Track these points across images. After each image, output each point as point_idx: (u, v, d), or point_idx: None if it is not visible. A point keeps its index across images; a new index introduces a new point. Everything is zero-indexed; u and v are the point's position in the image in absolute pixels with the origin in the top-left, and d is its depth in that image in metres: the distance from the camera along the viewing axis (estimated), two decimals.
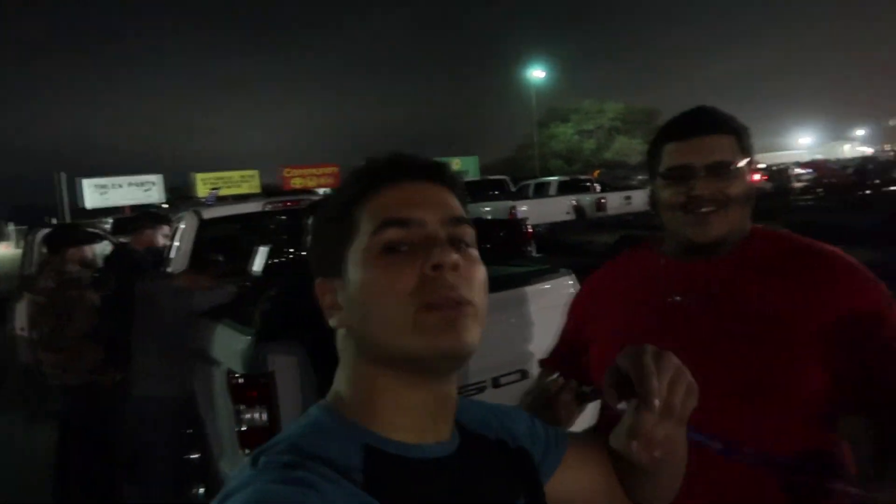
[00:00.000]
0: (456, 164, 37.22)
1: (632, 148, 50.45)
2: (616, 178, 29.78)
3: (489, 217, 12.92)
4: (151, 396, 2.94)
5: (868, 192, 13.04)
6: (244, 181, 32.16)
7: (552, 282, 3.21)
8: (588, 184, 16.90)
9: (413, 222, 0.61)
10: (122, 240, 4.93)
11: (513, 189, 16.46)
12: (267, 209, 4.42)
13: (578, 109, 51.95)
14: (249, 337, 2.47)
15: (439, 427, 0.64)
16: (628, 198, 15.21)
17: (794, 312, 1.06)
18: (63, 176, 22.61)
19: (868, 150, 45.04)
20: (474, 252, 0.64)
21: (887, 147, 43.44)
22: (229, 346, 2.64)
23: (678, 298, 1.17)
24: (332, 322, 0.65)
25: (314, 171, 34.37)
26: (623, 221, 13.38)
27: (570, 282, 3.25)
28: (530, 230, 9.21)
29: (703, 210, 1.10)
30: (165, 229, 3.94)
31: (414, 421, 0.62)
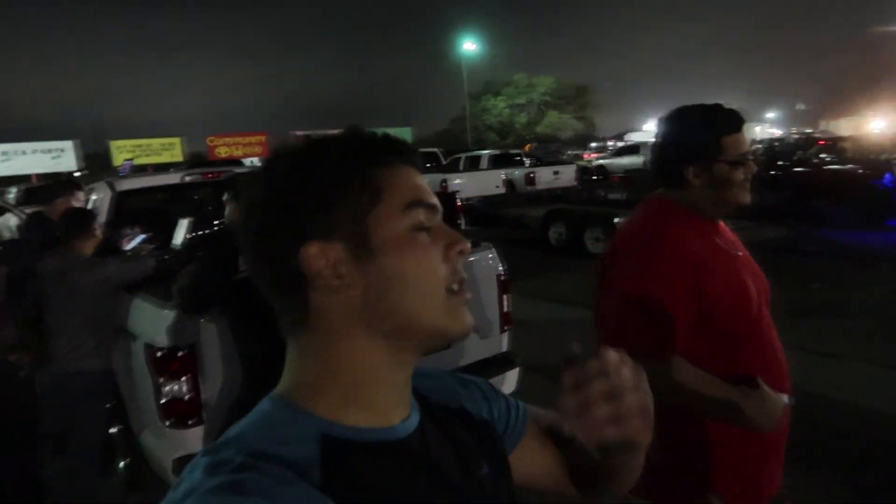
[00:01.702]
0: None
1: (563, 122, 51.38)
2: (549, 153, 30.27)
3: None
4: (79, 371, 2.86)
5: (776, 171, 13.85)
6: (165, 149, 30.73)
7: (474, 255, 3.31)
8: (519, 158, 17.14)
9: (435, 209, 0.63)
10: (29, 210, 4.67)
11: (444, 162, 16.50)
12: (186, 181, 4.31)
13: (510, 83, 52.26)
14: (169, 311, 2.46)
15: (403, 406, 0.64)
16: (557, 172, 15.54)
17: None
18: None
19: (777, 132, 47.67)
20: None
21: (794, 130, 46.06)
22: (148, 319, 2.61)
23: (740, 253, 1.52)
24: (320, 293, 0.59)
25: (241, 139, 33.15)
26: (553, 195, 13.68)
27: (491, 255, 3.36)
28: (461, 203, 9.36)
29: (749, 185, 1.46)
30: (80, 196, 3.80)
31: (388, 402, 0.62)
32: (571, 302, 6.63)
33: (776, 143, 23.24)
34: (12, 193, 13.36)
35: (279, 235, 0.59)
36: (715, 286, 1.38)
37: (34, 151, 28.18)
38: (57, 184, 3.93)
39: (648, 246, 1.44)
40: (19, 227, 3.67)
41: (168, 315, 2.45)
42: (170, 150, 30.75)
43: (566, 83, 53.18)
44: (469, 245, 0.63)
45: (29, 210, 4.70)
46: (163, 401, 2.42)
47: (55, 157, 28.36)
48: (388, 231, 0.59)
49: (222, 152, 31.34)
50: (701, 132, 1.45)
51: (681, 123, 1.49)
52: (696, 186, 1.45)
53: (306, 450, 0.55)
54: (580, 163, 22.52)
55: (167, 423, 2.44)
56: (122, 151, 28.77)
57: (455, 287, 0.61)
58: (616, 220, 8.73)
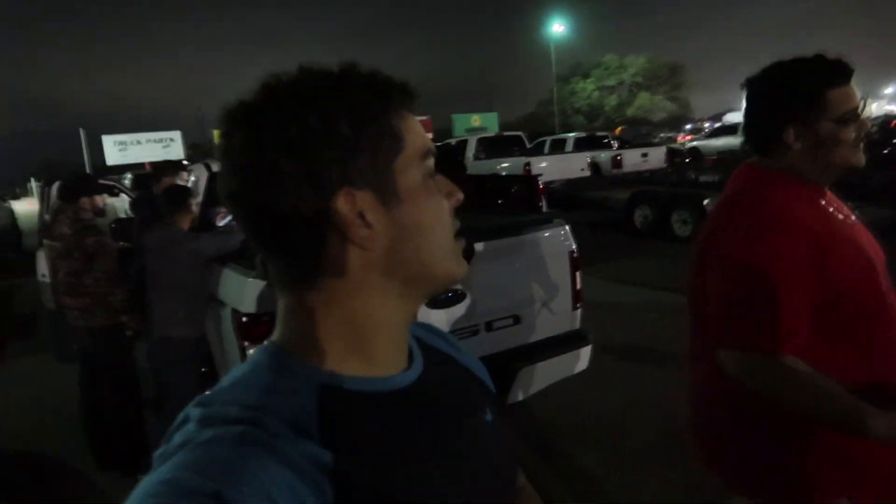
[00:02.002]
0: (475, 120, 36.83)
1: (655, 104, 49.49)
2: (640, 136, 29.14)
3: (504, 173, 12.92)
4: (173, 338, 3.11)
5: (890, 150, 12.71)
6: None
7: (546, 231, 3.31)
8: (606, 140, 16.73)
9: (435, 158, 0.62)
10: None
11: (528, 145, 16.37)
12: None
13: (600, 64, 50.81)
14: (253, 280, 2.64)
15: (402, 356, 0.63)
16: (645, 154, 15.03)
17: None
18: (83, 132, 22.88)
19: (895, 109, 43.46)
20: None
21: None
22: (235, 288, 2.80)
23: (853, 218, 1.35)
24: (342, 243, 0.56)
25: None
26: (640, 178, 13.27)
27: (563, 232, 3.35)
28: (542, 186, 9.27)
29: (862, 144, 1.29)
30: (184, 176, 4.11)
31: (389, 353, 0.61)
32: (654, 285, 6.45)
33: (893, 120, 21.30)
34: (127, 179, 14.53)
35: (297, 182, 0.53)
36: (840, 261, 1.20)
37: (147, 141, 30.38)
38: (164, 164, 4.27)
39: (754, 212, 1.26)
40: (131, 203, 4.03)
41: (252, 283, 2.62)
42: None
43: (659, 63, 51.04)
44: (462, 195, 0.64)
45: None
46: None
47: (165, 146, 30.43)
48: (410, 179, 0.58)
49: None
50: (801, 87, 1.26)
51: (776, 79, 1.30)
52: (796, 150, 1.28)
53: (303, 401, 0.53)
54: (673, 145, 21.67)
55: None
56: None
57: (455, 233, 0.63)
58: (706, 201, 8.38)
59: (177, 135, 31.09)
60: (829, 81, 1.25)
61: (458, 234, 0.63)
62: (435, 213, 0.60)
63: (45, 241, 3.48)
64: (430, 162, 0.60)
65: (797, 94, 1.26)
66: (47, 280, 4.05)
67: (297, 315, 0.58)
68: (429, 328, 0.77)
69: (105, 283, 3.21)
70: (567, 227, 3.39)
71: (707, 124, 39.54)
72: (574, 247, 3.38)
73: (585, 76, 50.65)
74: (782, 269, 1.18)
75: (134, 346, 3.51)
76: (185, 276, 3.07)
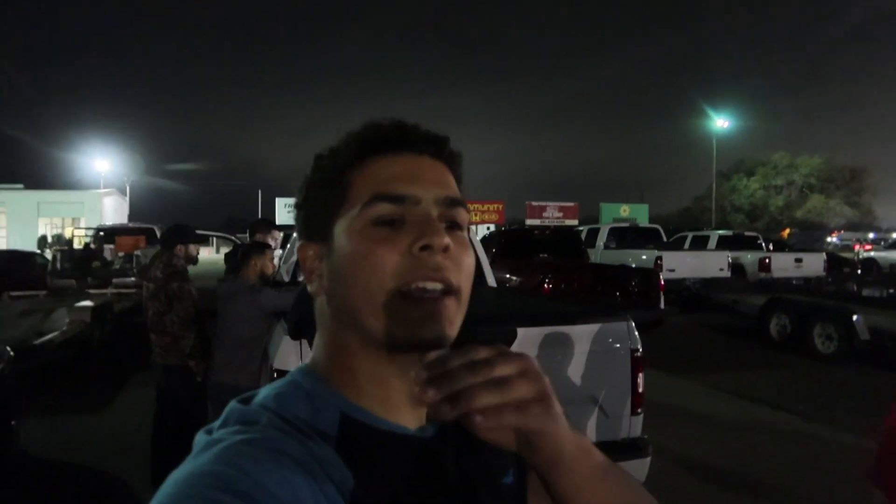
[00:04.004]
0: (624, 210, 36.09)
1: (828, 208, 45.32)
2: (810, 240, 26.75)
3: (633, 265, 12.43)
4: (229, 384, 3.25)
5: None
6: None
7: (605, 324, 3.08)
8: (757, 241, 15.55)
9: (407, 199, 0.58)
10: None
11: (665, 240, 15.63)
12: None
13: (767, 163, 47.87)
14: (287, 336, 2.72)
15: (414, 412, 0.61)
16: (799, 260, 13.68)
17: None
18: (260, 193, 25.74)
19: None
20: (464, 236, 0.61)
21: None
22: (276, 343, 2.91)
23: None
24: (310, 288, 0.63)
25: (479, 206, 35.07)
26: (789, 284, 12.06)
27: (626, 327, 3.09)
28: (662, 282, 8.73)
29: None
30: (276, 234, 4.38)
31: (387, 394, 0.59)
32: (776, 405, 5.71)
33: None
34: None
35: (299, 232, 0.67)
36: None
37: None
38: (259, 222, 4.55)
39: None
40: (226, 254, 4.34)
41: (286, 341, 2.70)
42: None
43: (837, 165, 47.01)
44: (441, 240, 0.56)
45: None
46: None
47: None
48: (345, 227, 0.59)
49: None
50: None
51: None
52: None
53: (324, 420, 0.56)
54: (846, 254, 19.57)
55: None
56: None
57: (418, 286, 0.55)
58: (855, 317, 7.34)
59: None
60: None
61: (418, 292, 0.55)
62: (363, 258, 0.57)
63: (143, 283, 3.86)
64: (380, 207, 0.58)
65: None
66: None
67: (316, 343, 0.64)
68: None
69: (178, 327, 3.48)
70: (631, 323, 3.13)
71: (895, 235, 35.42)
72: (638, 346, 3.10)
73: (750, 174, 47.90)
74: None
75: (204, 393, 3.70)
76: (244, 325, 3.24)
